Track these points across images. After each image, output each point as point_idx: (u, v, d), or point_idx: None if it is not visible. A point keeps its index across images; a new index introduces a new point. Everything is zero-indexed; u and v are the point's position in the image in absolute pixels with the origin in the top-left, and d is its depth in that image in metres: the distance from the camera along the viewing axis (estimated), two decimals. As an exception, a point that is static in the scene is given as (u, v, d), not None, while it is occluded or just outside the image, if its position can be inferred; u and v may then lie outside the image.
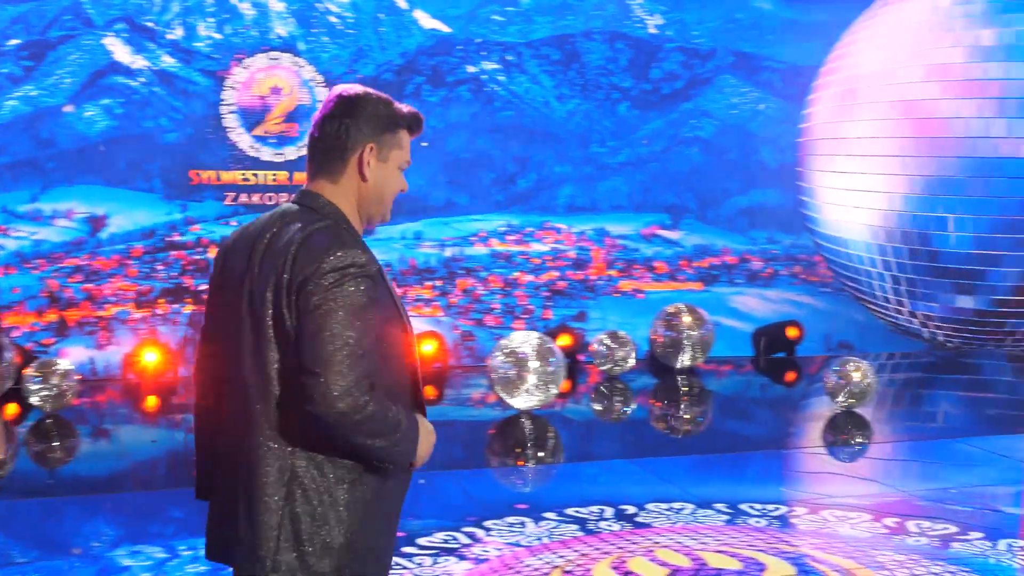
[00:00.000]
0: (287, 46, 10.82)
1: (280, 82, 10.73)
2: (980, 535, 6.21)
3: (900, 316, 12.43)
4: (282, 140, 10.76)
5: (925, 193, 11.55)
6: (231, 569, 2.88)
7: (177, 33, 10.74)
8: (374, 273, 2.72)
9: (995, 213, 11.42)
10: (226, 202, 10.70)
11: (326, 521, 2.70)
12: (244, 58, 10.62)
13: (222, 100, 10.57)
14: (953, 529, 6.31)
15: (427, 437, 2.84)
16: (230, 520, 2.81)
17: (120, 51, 10.72)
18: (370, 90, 2.88)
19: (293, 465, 2.70)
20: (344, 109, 2.84)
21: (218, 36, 10.63)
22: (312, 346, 2.58)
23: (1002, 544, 6.07)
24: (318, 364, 2.56)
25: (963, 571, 5.64)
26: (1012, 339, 12.13)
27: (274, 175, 10.75)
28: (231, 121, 10.60)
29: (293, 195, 2.89)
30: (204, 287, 10.57)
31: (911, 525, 6.35)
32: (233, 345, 2.78)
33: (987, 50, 11.45)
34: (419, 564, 5.65)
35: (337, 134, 2.82)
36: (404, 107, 2.92)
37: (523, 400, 8.93)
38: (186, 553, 5.76)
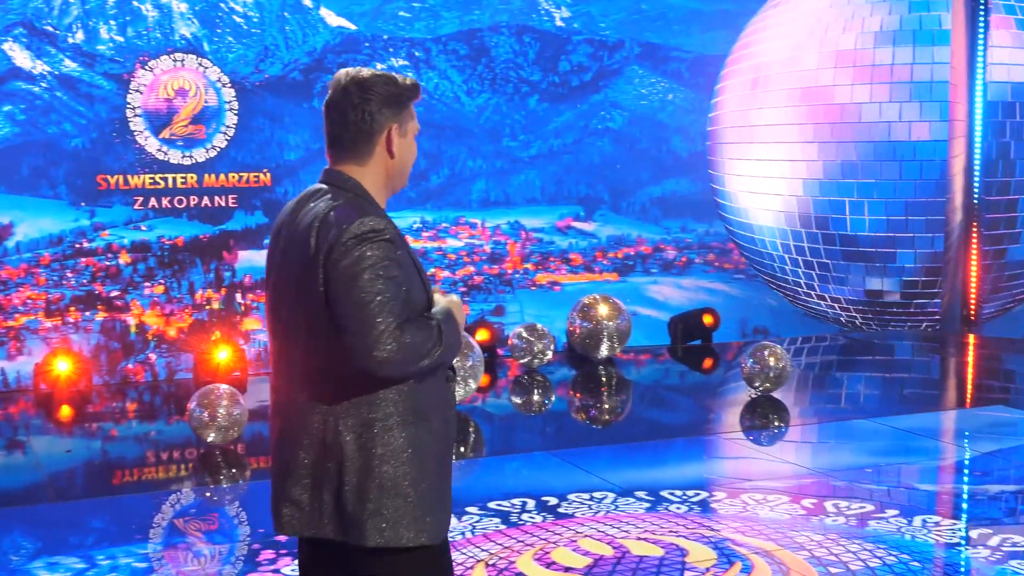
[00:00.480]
0: (192, 47, 10.68)
1: (186, 84, 10.59)
2: (896, 512, 6.32)
3: (812, 300, 12.61)
4: (190, 142, 10.62)
5: (831, 178, 11.73)
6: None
7: (78, 37, 10.55)
8: (392, 237, 2.88)
9: (900, 196, 11.63)
10: (135, 207, 10.55)
11: (397, 478, 2.90)
12: (148, 60, 10.47)
13: (127, 103, 10.42)
14: (870, 508, 6.40)
15: (457, 312, 3.04)
16: (303, 494, 3.04)
17: (20, 56, 10.51)
18: (374, 71, 3.05)
19: (347, 424, 2.91)
20: (363, 96, 3.00)
21: (120, 39, 10.46)
22: (345, 309, 2.79)
23: (917, 520, 6.18)
24: (354, 324, 2.77)
25: (880, 548, 5.73)
26: (921, 319, 12.36)
27: (183, 178, 10.61)
28: (137, 125, 10.45)
29: (320, 176, 3.11)
30: (116, 293, 10.42)
31: (829, 505, 6.44)
32: (283, 323, 3.03)
33: (888, 35, 11.65)
34: (342, 564, 5.60)
35: (362, 121, 3.00)
36: (404, 79, 3.08)
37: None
38: (104, 563, 5.67)
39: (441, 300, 3.05)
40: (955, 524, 6.18)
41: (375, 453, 2.90)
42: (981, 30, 12.04)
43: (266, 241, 10.95)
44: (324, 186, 3.05)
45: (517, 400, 10.15)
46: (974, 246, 12.33)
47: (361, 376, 2.83)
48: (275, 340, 3.10)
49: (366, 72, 3.03)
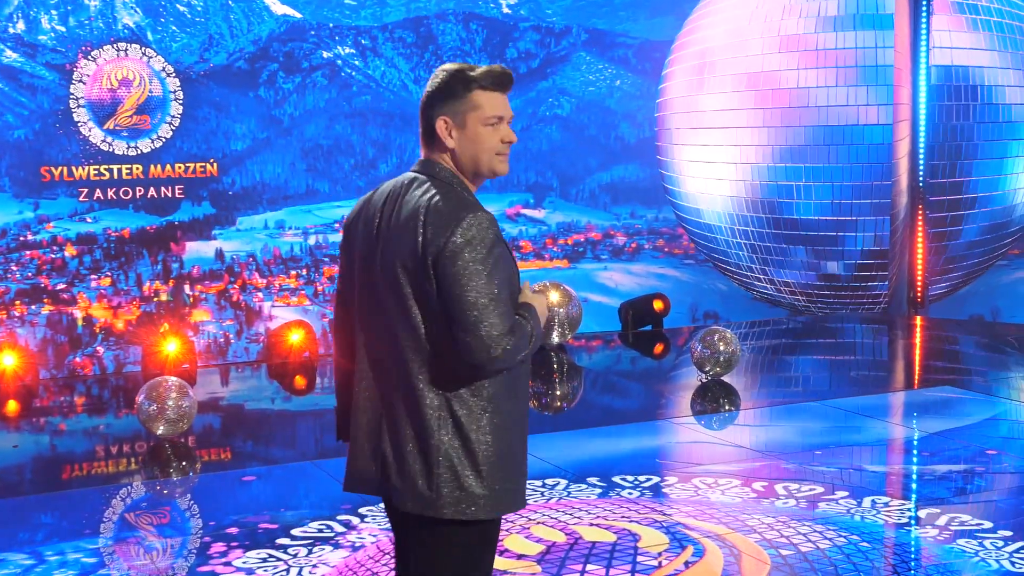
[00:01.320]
0: (135, 36, 10.56)
1: (130, 74, 10.47)
2: (845, 494, 6.37)
3: (760, 284, 12.68)
4: (135, 133, 10.51)
5: (778, 162, 11.79)
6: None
7: (19, 27, 10.40)
8: (498, 231, 3.02)
9: (847, 180, 11.72)
10: (80, 198, 10.42)
11: (478, 446, 3.03)
12: (91, 50, 10.34)
13: (71, 94, 10.29)
14: (819, 489, 6.46)
15: (541, 310, 3.15)
16: (382, 456, 3.12)
17: (-40, 47, 10.36)
18: (448, 65, 3.13)
19: (447, 404, 3.03)
20: (424, 93, 3.15)
21: (62, 28, 10.33)
22: (461, 308, 2.92)
23: (867, 501, 6.23)
24: (468, 322, 2.91)
25: (830, 530, 5.77)
26: (869, 302, 12.46)
27: (129, 169, 10.50)
28: (81, 115, 10.32)
29: (414, 164, 3.20)
30: (63, 286, 10.30)
31: (779, 488, 6.48)
32: (374, 308, 3.12)
33: (832, 20, 11.72)
34: (294, 555, 5.58)
35: (424, 115, 3.13)
36: (463, 69, 3.09)
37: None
38: (53, 559, 5.61)
39: (529, 295, 3.15)
40: (904, 504, 6.24)
41: (473, 431, 3.04)
42: (924, 14, 12.14)
43: (215, 232, 10.87)
44: (420, 176, 3.14)
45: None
46: (920, 229, 12.45)
47: (465, 365, 2.98)
48: (365, 329, 3.19)
49: (440, 68, 3.13)
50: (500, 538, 5.69)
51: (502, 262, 3.00)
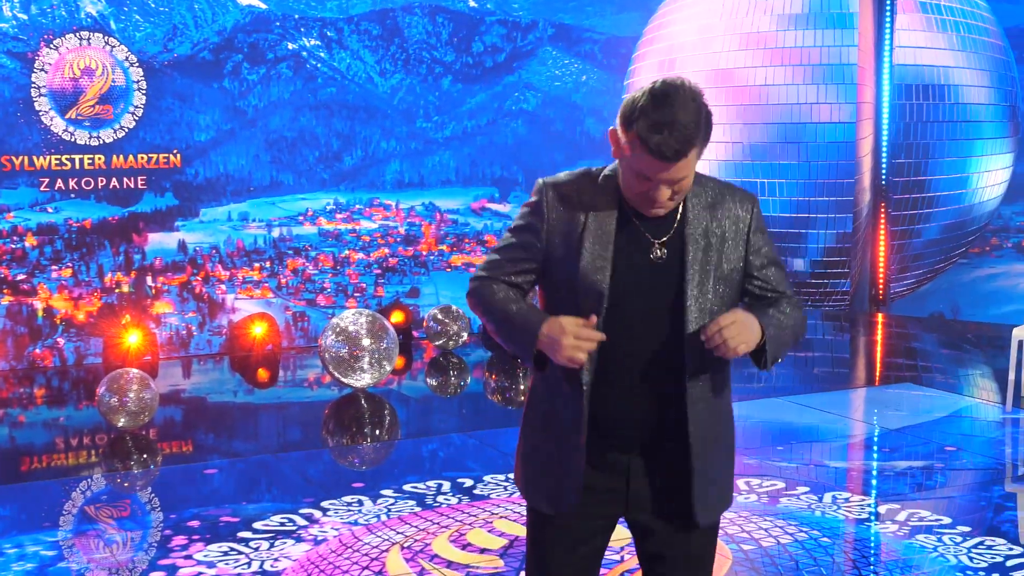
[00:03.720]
0: (98, 26, 10.47)
1: (92, 63, 10.39)
2: (807, 489, 6.41)
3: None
4: (97, 123, 10.42)
5: (742, 159, 11.85)
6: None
7: (-20, 14, 10.30)
8: (541, 197, 3.00)
9: (810, 177, 11.78)
10: (42, 188, 10.33)
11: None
12: (53, 39, 10.25)
13: (32, 83, 10.19)
14: (781, 485, 6.49)
15: (549, 329, 2.84)
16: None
17: (-81, 34, 10.24)
18: (641, 96, 2.76)
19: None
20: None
21: (23, 16, 10.22)
22: None
23: (827, 497, 6.27)
24: None
25: (791, 525, 5.81)
26: (830, 299, 12.54)
27: (91, 159, 10.42)
28: (43, 104, 10.23)
29: None
30: (23, 277, 10.21)
31: (741, 483, 6.51)
32: None
33: (797, 18, 11.77)
34: (255, 548, 5.56)
35: None
36: (648, 113, 2.72)
37: (357, 379, 8.88)
38: (11, 551, 5.57)
39: (557, 325, 2.81)
40: (864, 500, 6.28)
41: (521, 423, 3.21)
42: (888, 13, 12.21)
43: (178, 223, 10.77)
44: None
45: (432, 382, 10.13)
46: (882, 227, 12.53)
47: None
48: None
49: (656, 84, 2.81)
50: (463, 532, 5.70)
51: (520, 220, 2.99)
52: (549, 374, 2.96)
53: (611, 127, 2.83)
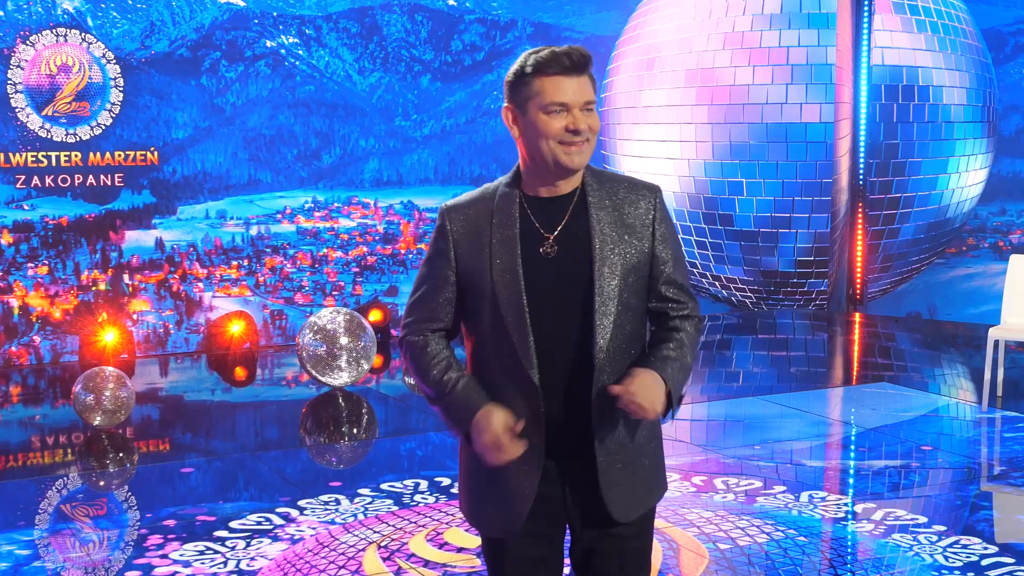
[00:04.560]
0: (75, 22, 10.42)
1: (69, 60, 10.34)
2: (783, 488, 6.43)
3: (706, 280, 12.76)
4: (74, 120, 10.37)
5: (720, 159, 11.87)
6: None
7: (-44, 10, 10.24)
8: (441, 223, 2.96)
9: (788, 177, 11.81)
10: (18, 185, 10.28)
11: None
12: (29, 35, 10.19)
13: (8, 79, 10.13)
14: (758, 484, 6.51)
15: (482, 423, 2.91)
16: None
17: None
18: (520, 57, 2.88)
19: None
20: None
21: (0, 13, 10.17)
22: None
23: (804, 496, 6.29)
24: None
25: (768, 524, 5.82)
26: (809, 299, 12.58)
27: (68, 156, 10.37)
28: (19, 101, 10.17)
29: None
30: (-3, 275, 10.14)
31: (718, 482, 6.53)
32: None
33: (775, 17, 11.80)
34: (232, 548, 5.54)
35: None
36: (528, 56, 2.85)
37: (335, 377, 8.86)
38: (-15, 552, 5.54)
39: (488, 422, 2.86)
40: (841, 499, 6.30)
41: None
42: (866, 13, 12.25)
43: (155, 221, 10.74)
44: None
45: (410, 381, 10.12)
46: (859, 227, 12.57)
47: None
48: None
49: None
50: (440, 531, 5.69)
51: (429, 250, 3.00)
52: (490, 384, 2.96)
53: (502, 107, 2.91)
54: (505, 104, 2.90)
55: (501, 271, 2.87)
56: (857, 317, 12.64)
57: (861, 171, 12.40)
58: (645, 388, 2.79)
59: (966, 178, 12.47)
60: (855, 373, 10.39)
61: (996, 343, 8.43)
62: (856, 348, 11.48)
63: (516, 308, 2.86)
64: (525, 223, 2.91)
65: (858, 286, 12.85)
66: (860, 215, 12.53)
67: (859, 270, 12.76)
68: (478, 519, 3.06)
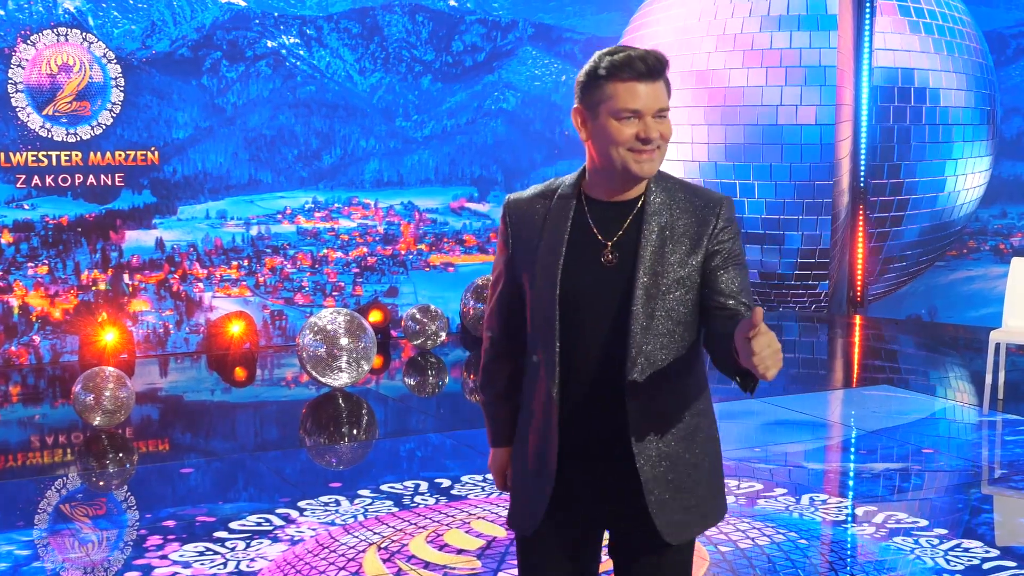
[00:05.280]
0: (76, 21, 10.41)
1: (70, 59, 10.33)
2: (784, 491, 6.42)
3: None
4: (74, 119, 10.36)
5: (721, 160, 11.85)
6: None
7: (-43, 9, 10.23)
8: (503, 218, 2.95)
9: (788, 179, 11.80)
10: (18, 185, 10.26)
11: None
12: (30, 34, 10.18)
13: (9, 79, 10.12)
14: (759, 486, 6.49)
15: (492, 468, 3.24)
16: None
17: None
18: (594, 56, 2.79)
19: None
20: None
21: (1, 12, 10.15)
22: None
23: (805, 499, 6.28)
24: None
25: (769, 526, 5.81)
26: (807, 300, 12.56)
27: (68, 155, 10.35)
28: (20, 101, 10.16)
29: None
30: (-3, 274, 10.13)
31: (719, 483, 6.50)
32: None
33: (776, 20, 11.78)
34: (232, 548, 5.53)
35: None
36: (599, 58, 2.75)
37: (335, 378, 8.85)
38: (-15, 552, 5.52)
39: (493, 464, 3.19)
40: (842, 502, 6.29)
41: None
42: (867, 15, 12.24)
43: (155, 221, 10.74)
44: None
45: (410, 382, 10.11)
46: (860, 229, 12.56)
47: None
48: None
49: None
50: (441, 532, 5.68)
51: (498, 241, 2.99)
52: (524, 396, 2.97)
53: (573, 107, 2.81)
54: (575, 105, 2.80)
55: (540, 274, 2.81)
56: (858, 319, 12.63)
57: (862, 173, 12.39)
58: (773, 340, 2.43)
59: (967, 180, 12.46)
60: (856, 375, 10.38)
61: (997, 346, 8.42)
62: (857, 350, 11.47)
63: (547, 316, 2.79)
64: (582, 228, 2.82)
65: (859, 288, 12.83)
66: (861, 217, 12.51)
67: (860, 272, 12.75)
68: (509, 513, 3.05)
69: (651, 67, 2.72)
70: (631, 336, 2.72)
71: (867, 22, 12.25)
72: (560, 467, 2.83)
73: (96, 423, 7.73)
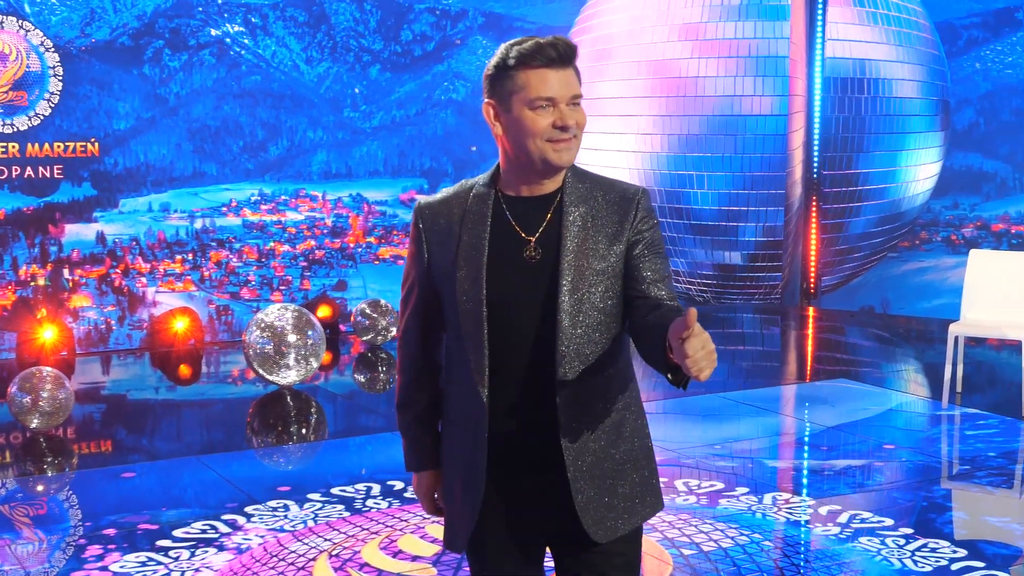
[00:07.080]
0: (12, 9, 10.09)
1: (5, 48, 10.01)
2: (746, 490, 6.28)
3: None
4: (11, 109, 10.05)
5: (674, 151, 11.75)
6: None
7: None
8: (415, 219, 2.88)
9: (741, 170, 11.71)
10: (-47, 178, 9.96)
11: None
12: (-36, 22, 9.87)
13: (-58, 68, 9.81)
14: (720, 485, 6.36)
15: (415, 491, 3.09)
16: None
17: None
18: (501, 48, 2.70)
19: None
20: None
21: (-68, -2, 9.84)
22: None
23: (767, 498, 6.14)
24: None
25: (732, 527, 5.67)
26: (762, 292, 12.49)
27: (4, 147, 10.05)
28: (-46, 91, 9.86)
29: None
30: (-70, 270, 9.81)
31: (679, 484, 6.37)
32: None
33: (729, 9, 11.69)
34: (175, 558, 5.31)
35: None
36: (508, 48, 2.67)
37: (283, 376, 8.63)
38: (-86, 564, 5.27)
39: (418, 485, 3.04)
40: (805, 501, 6.16)
41: None
42: (820, 6, 12.17)
43: (96, 214, 10.44)
44: None
45: (360, 378, 9.92)
46: (813, 220, 12.50)
47: None
48: None
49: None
50: (394, 538, 5.49)
51: (408, 248, 2.92)
52: (446, 410, 2.92)
53: (483, 103, 2.73)
54: (485, 100, 2.72)
55: (464, 277, 2.72)
56: (811, 311, 12.56)
57: (815, 164, 12.32)
58: (708, 341, 2.35)
59: (919, 171, 12.42)
60: (811, 369, 10.30)
61: (956, 339, 8.33)
62: (811, 343, 11.39)
63: (475, 318, 2.71)
64: (502, 226, 2.75)
65: (812, 280, 12.77)
66: (814, 208, 12.45)
67: (813, 264, 12.69)
68: (444, 534, 2.98)
69: (562, 54, 2.66)
70: (560, 330, 2.67)
71: (819, 12, 12.18)
72: (491, 475, 2.76)
73: (34, 426, 7.47)
